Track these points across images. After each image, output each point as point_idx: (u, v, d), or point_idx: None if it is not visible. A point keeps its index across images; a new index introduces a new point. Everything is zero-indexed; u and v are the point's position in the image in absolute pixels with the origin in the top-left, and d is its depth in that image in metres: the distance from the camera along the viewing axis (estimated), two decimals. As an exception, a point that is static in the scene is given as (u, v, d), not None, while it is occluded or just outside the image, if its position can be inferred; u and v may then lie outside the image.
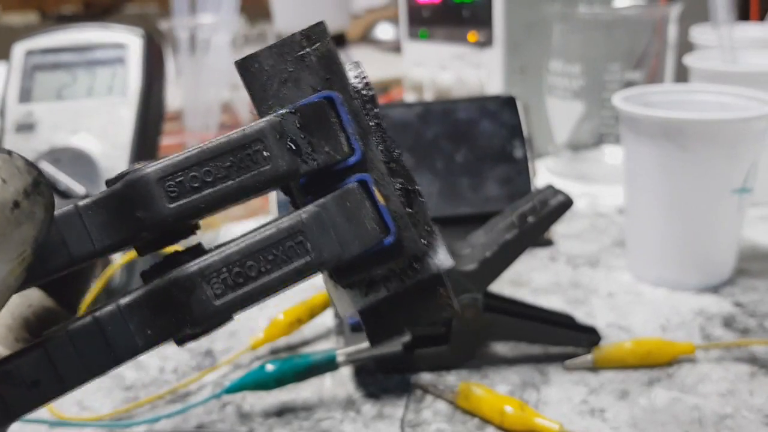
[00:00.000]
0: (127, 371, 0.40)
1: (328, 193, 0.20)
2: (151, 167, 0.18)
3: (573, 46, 0.66)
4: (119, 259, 0.43)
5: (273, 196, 0.56)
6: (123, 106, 0.48)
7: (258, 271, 0.19)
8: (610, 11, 0.66)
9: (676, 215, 0.43)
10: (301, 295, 0.47)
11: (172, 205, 0.18)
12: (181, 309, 0.19)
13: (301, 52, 0.22)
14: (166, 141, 0.86)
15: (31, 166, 0.17)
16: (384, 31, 1.81)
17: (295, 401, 0.36)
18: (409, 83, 0.84)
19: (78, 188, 0.44)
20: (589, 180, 0.68)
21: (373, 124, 0.22)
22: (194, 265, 0.19)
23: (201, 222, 0.20)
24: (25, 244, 0.16)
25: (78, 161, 0.46)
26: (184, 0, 0.78)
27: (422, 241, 0.22)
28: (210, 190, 0.19)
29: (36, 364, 0.18)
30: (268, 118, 0.20)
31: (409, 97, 0.87)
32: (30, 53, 0.49)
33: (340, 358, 0.35)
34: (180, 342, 0.20)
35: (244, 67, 0.22)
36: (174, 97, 0.83)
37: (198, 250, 0.20)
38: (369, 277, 0.22)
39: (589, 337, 0.38)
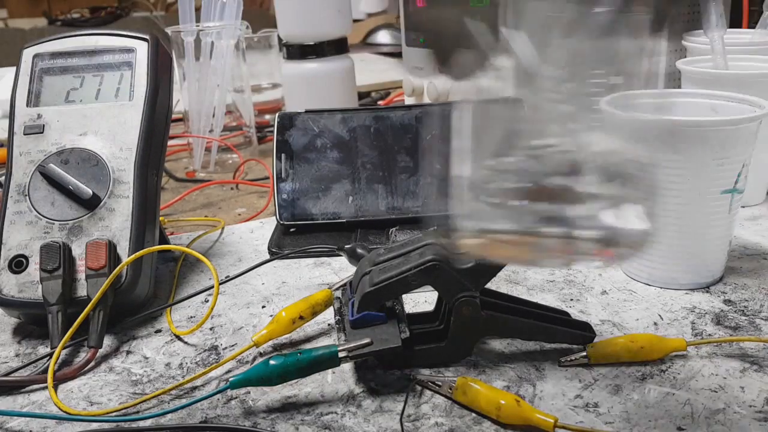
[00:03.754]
0: (134, 367, 0.41)
1: None
2: None
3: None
4: (126, 258, 0.44)
5: (275, 198, 0.57)
6: (130, 109, 0.48)
7: None
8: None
9: (668, 216, 0.44)
10: (302, 292, 0.48)
11: None
12: None
13: None
14: (172, 143, 0.87)
15: None
16: (384, 36, 1.81)
17: (298, 396, 0.37)
18: (408, 86, 0.85)
19: (85, 190, 0.45)
20: (586, 182, 0.68)
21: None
22: None
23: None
24: None
25: (86, 163, 0.46)
26: (189, 6, 0.79)
27: None
28: None
29: None
30: None
31: (409, 100, 0.88)
32: (38, 57, 0.49)
33: (341, 354, 0.35)
34: None
35: None
36: (180, 100, 0.84)
37: None
38: None
39: (583, 333, 0.39)
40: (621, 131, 0.45)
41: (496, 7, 0.69)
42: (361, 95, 1.13)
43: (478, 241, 0.24)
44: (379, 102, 1.12)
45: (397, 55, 1.07)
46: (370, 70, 1.43)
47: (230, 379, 0.35)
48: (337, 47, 0.86)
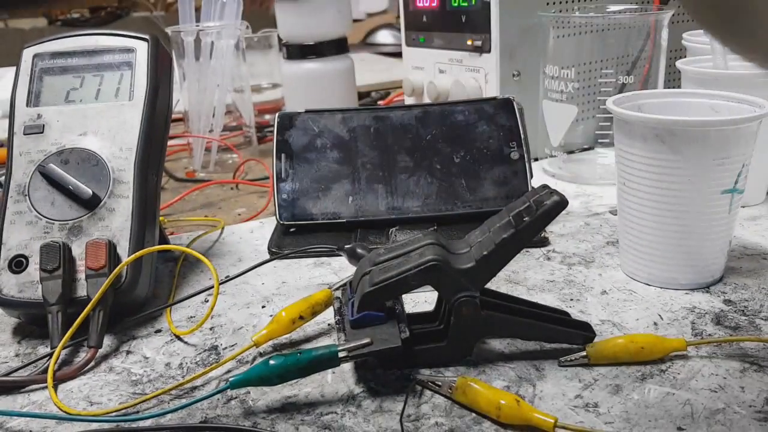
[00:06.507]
0: (134, 367, 0.41)
1: None
2: None
3: (568, 50, 0.67)
4: (126, 258, 0.44)
5: (275, 198, 0.57)
6: (130, 109, 0.48)
7: None
8: (604, 17, 0.67)
9: (668, 216, 0.44)
10: (302, 292, 0.48)
11: None
12: None
13: None
14: (172, 143, 0.87)
15: None
16: (384, 36, 1.81)
17: (298, 396, 0.37)
18: (408, 86, 0.85)
19: (85, 190, 0.45)
20: (584, 181, 0.68)
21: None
22: None
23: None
24: None
25: (86, 163, 0.46)
26: (189, 6, 0.79)
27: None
28: None
29: None
30: None
31: (409, 100, 0.88)
32: (38, 57, 0.49)
33: (341, 354, 0.35)
34: None
35: None
36: (180, 100, 0.84)
37: None
38: None
39: (583, 333, 0.39)
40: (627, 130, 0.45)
41: (487, 6, 0.69)
42: (361, 95, 1.13)
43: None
44: (379, 102, 1.12)
45: (397, 55, 1.07)
46: (370, 70, 1.42)
47: (230, 379, 0.35)
48: (337, 47, 0.86)
